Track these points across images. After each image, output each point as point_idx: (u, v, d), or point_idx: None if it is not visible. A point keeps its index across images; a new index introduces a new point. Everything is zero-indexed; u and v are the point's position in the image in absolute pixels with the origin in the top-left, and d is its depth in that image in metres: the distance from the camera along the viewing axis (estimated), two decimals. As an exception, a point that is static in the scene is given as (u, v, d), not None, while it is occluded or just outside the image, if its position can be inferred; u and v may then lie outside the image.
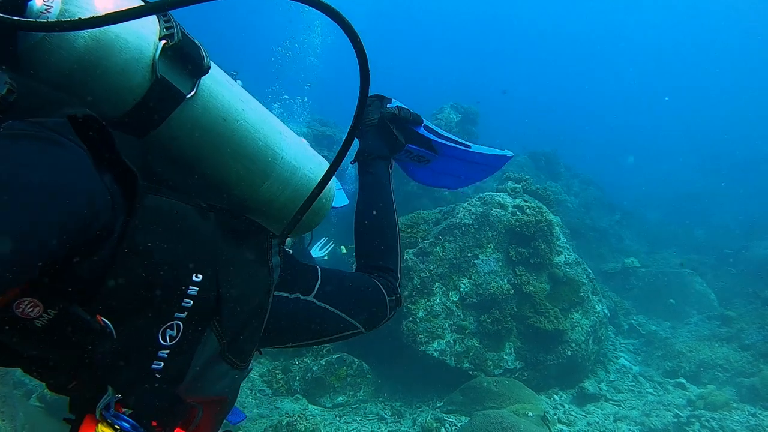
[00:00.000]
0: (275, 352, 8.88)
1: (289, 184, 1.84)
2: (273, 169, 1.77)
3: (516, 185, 9.21)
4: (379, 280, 2.31)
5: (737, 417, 6.99)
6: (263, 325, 1.71)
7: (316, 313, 2.00)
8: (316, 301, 2.00)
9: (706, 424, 6.81)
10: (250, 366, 2.28)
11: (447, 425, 6.80)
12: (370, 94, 2.76)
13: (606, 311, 8.80)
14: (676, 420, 6.87)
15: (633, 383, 8.38)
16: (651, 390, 8.19)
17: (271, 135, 1.76)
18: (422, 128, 2.84)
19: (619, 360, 9.10)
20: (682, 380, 8.33)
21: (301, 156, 1.89)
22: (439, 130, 2.91)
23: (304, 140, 2.07)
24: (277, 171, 1.79)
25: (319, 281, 2.05)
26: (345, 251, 9.89)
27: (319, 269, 2.14)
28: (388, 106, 2.76)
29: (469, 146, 2.89)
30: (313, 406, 7.64)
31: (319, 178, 1.83)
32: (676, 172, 26.87)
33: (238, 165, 1.68)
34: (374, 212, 2.49)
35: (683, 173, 26.47)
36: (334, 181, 2.05)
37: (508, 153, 2.95)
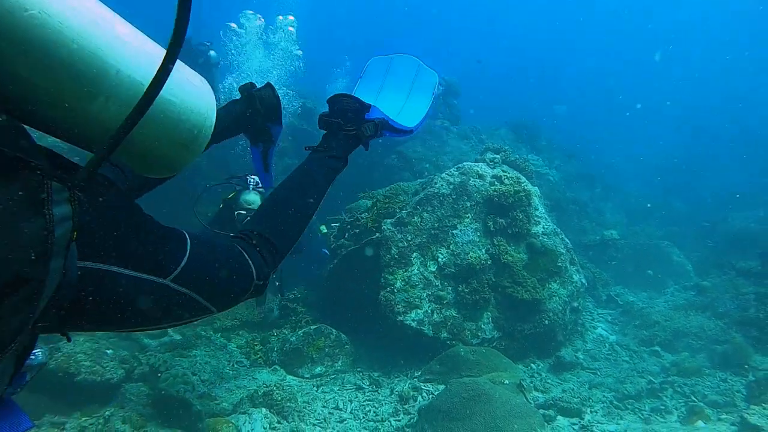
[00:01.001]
0: (255, 323, 8.87)
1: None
2: (102, 85, 1.34)
3: (495, 156, 9.17)
4: (255, 258, 1.99)
5: (709, 382, 7.11)
6: (32, 303, 1.06)
7: (168, 299, 1.58)
8: (172, 285, 1.57)
9: (678, 389, 6.92)
10: (41, 358, 1.96)
11: (424, 394, 6.84)
12: (352, 95, 2.89)
13: (583, 281, 8.86)
14: (649, 386, 6.97)
15: (609, 352, 8.48)
16: (627, 358, 8.29)
17: (97, 39, 1.31)
18: (387, 133, 3.13)
19: (596, 330, 9.20)
20: (657, 348, 8.44)
21: (153, 72, 1.33)
22: (396, 125, 3.19)
23: (185, 71, 1.64)
24: (110, 89, 1.35)
25: (185, 258, 1.63)
26: (325, 231, 9.85)
27: (188, 239, 1.69)
28: (367, 117, 2.90)
29: (411, 131, 3.30)
30: (291, 377, 7.65)
31: (185, 104, 1.52)
32: (658, 146, 26.96)
33: (37, 76, 1.23)
34: (297, 195, 2.35)
35: (664, 147, 26.55)
36: (210, 100, 1.68)
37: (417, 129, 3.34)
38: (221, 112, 2.52)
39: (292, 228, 2.26)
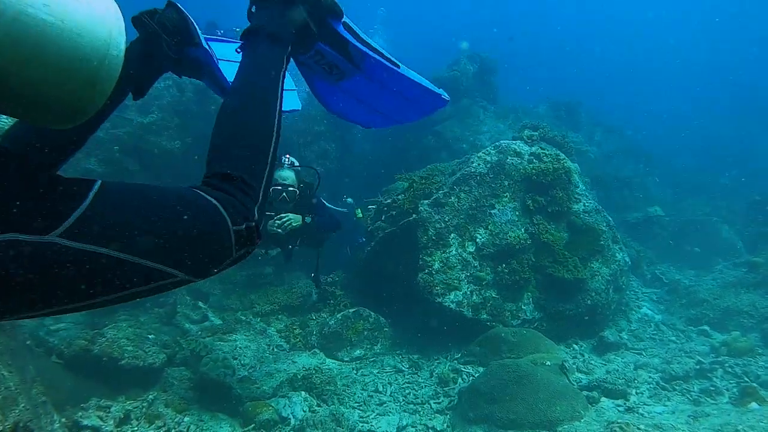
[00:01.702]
0: (294, 307, 8.93)
1: None
2: None
3: (533, 132, 8.91)
4: (223, 199, 1.58)
5: (762, 362, 6.83)
6: None
7: (70, 262, 1.24)
8: (64, 242, 1.23)
9: (729, 369, 6.66)
10: None
11: (464, 376, 6.77)
12: None
13: (627, 259, 8.61)
14: (698, 367, 6.73)
15: (655, 332, 8.24)
16: (673, 338, 8.05)
17: None
18: (341, 25, 2.17)
19: (641, 309, 8.94)
20: (706, 327, 8.16)
21: None
22: (364, 35, 2.24)
23: None
24: None
25: (82, 207, 1.28)
26: (361, 215, 9.82)
27: (96, 184, 1.37)
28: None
29: (398, 65, 2.27)
30: (331, 360, 7.67)
31: (71, 26, 1.19)
32: (705, 119, 26.05)
33: None
34: (246, 98, 1.87)
35: (712, 120, 25.65)
36: (113, 22, 1.31)
37: (444, 94, 2.40)
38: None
39: (251, 141, 1.79)
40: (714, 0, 46.47)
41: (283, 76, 1.98)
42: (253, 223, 1.62)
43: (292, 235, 5.97)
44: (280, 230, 5.63)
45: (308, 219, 5.91)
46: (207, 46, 2.31)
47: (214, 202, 1.54)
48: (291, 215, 5.73)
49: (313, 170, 6.29)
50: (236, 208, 1.57)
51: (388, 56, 2.27)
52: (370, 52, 2.19)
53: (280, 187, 5.74)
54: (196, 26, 2.27)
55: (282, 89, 1.94)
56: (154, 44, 2.18)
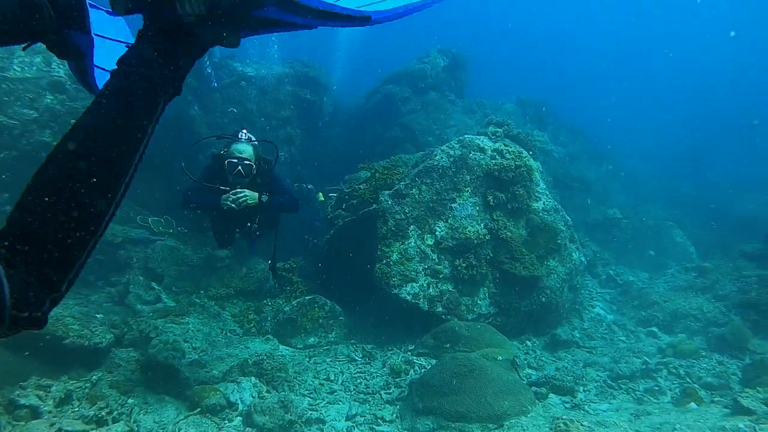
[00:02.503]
0: (250, 292, 8.83)
1: None
2: None
3: (497, 129, 8.96)
4: (12, 279, 1.17)
5: (705, 365, 7.02)
6: None
7: None
8: None
9: (674, 370, 6.84)
10: None
11: (416, 368, 6.78)
12: None
13: (583, 259, 8.74)
14: (644, 367, 6.88)
15: (606, 331, 8.40)
16: (623, 338, 8.22)
17: None
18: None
19: (594, 309, 9.10)
20: (655, 329, 8.35)
21: None
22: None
23: None
24: None
25: None
26: (322, 198, 9.75)
27: None
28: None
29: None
30: (284, 347, 7.60)
31: None
32: (668, 128, 26.60)
33: None
34: (91, 152, 1.39)
35: (675, 129, 26.20)
36: None
37: None
38: None
39: (79, 229, 1.35)
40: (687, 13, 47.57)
41: (151, 133, 1.51)
42: (36, 313, 1.24)
43: (249, 213, 5.75)
44: (234, 205, 5.41)
45: (264, 197, 5.61)
46: (92, 36, 1.88)
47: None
48: (246, 191, 5.48)
49: (271, 144, 5.95)
50: (25, 295, 1.21)
51: None
52: None
53: (235, 161, 5.47)
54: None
55: (143, 151, 1.49)
56: (30, 13, 1.56)
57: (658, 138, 23.97)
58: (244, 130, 5.73)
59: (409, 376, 6.59)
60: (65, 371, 5.69)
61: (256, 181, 5.73)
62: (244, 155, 5.54)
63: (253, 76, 12.51)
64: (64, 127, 9.30)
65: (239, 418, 5.53)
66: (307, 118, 13.62)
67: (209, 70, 11.28)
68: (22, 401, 4.88)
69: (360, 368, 7.01)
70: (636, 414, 5.59)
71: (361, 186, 8.65)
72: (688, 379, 6.63)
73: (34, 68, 9.46)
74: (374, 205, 8.01)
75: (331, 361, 7.16)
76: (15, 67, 9.25)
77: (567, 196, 12.89)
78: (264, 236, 6.28)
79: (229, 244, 6.53)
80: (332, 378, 6.68)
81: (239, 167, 5.49)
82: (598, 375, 6.83)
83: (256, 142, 5.73)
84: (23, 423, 4.48)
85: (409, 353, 7.22)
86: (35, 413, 4.84)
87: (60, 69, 9.63)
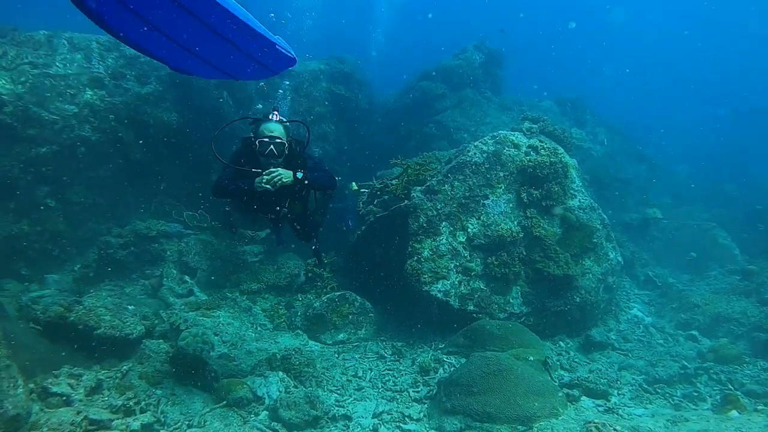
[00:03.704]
0: (281, 287, 8.87)
1: None
2: None
3: (533, 125, 8.78)
4: None
5: (748, 371, 6.74)
6: None
7: None
8: None
9: (714, 376, 6.58)
10: None
11: (446, 366, 6.69)
12: None
13: (620, 259, 8.50)
14: (682, 371, 6.65)
15: (643, 334, 8.15)
16: (661, 341, 7.95)
17: None
18: None
19: (631, 310, 8.85)
20: (695, 333, 8.07)
21: None
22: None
23: None
24: None
25: None
26: (356, 187, 9.73)
27: None
28: None
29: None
30: (314, 342, 7.59)
31: None
32: (710, 127, 25.82)
33: None
34: None
35: (717, 128, 25.42)
36: None
37: (290, 52, 2.07)
38: None
39: None
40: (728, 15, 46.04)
41: None
42: None
43: (284, 194, 5.35)
44: (269, 186, 5.01)
45: (299, 174, 5.17)
46: None
47: None
48: (281, 170, 5.09)
49: (302, 124, 5.71)
50: None
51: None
52: None
53: (267, 140, 5.11)
54: None
55: None
56: None
57: (699, 137, 23.31)
58: (275, 111, 5.36)
59: (438, 375, 6.50)
60: (97, 361, 5.77)
61: (289, 162, 5.34)
62: (275, 134, 5.16)
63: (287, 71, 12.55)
64: (103, 123, 9.48)
65: (265, 412, 5.52)
66: (341, 114, 13.63)
67: None
68: (54, 389, 4.96)
69: (389, 365, 6.95)
70: (673, 420, 5.37)
71: (393, 182, 8.57)
72: (730, 386, 6.37)
73: (75, 65, 9.66)
74: (406, 201, 7.94)
75: (359, 358, 7.12)
76: (57, 63, 9.47)
77: (605, 194, 12.59)
78: (302, 221, 5.90)
79: (259, 227, 6.32)
80: (360, 375, 6.63)
81: (271, 146, 5.11)
82: (633, 378, 6.62)
83: (287, 123, 5.46)
84: (53, 411, 4.54)
85: (439, 351, 7.12)
86: (67, 401, 4.91)
87: (100, 65, 9.82)
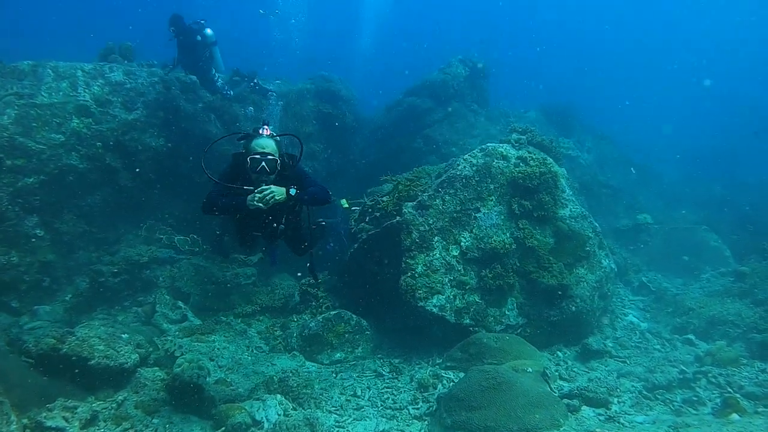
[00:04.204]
0: (276, 308, 8.82)
1: None
2: None
3: (521, 136, 8.82)
4: None
5: (746, 373, 6.73)
6: None
7: None
8: None
9: (713, 380, 6.57)
10: None
11: (445, 381, 6.64)
12: None
13: (613, 266, 8.52)
14: (681, 376, 6.62)
15: (640, 340, 8.14)
16: (658, 346, 7.95)
17: None
18: None
19: (627, 317, 8.85)
20: (691, 336, 8.07)
21: None
22: None
23: None
24: None
25: None
26: (346, 205, 9.73)
27: None
28: None
29: None
30: (311, 363, 7.54)
31: None
32: (695, 131, 26.05)
33: None
34: None
35: (702, 132, 25.65)
36: None
37: None
38: None
39: None
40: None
41: None
42: None
43: (277, 211, 5.20)
44: (261, 204, 4.82)
45: (293, 191, 5.01)
46: None
47: None
48: (273, 187, 4.89)
49: (293, 137, 5.49)
50: None
51: None
52: None
53: (258, 156, 4.91)
54: None
55: None
56: None
57: (685, 141, 23.49)
58: (266, 126, 5.19)
59: (437, 390, 6.46)
60: (92, 392, 5.70)
61: (281, 177, 5.15)
62: (267, 150, 4.96)
63: (274, 91, 12.58)
64: (90, 150, 9.44)
65: (265, 436, 5.46)
66: (329, 132, 13.68)
67: (219, 83, 11.28)
68: (49, 423, 4.88)
69: (387, 383, 6.90)
70: (674, 426, 5.35)
71: (384, 198, 8.58)
72: (729, 389, 6.36)
73: (61, 93, 9.64)
74: (398, 218, 7.93)
75: (357, 377, 7.07)
76: (43, 93, 9.45)
77: (594, 202, 12.67)
78: (293, 238, 5.78)
79: (252, 250, 6.19)
80: (359, 394, 6.58)
81: (263, 163, 4.90)
82: (632, 386, 6.59)
83: (278, 138, 5.35)
84: (48, 445, 4.47)
85: (437, 366, 7.09)
86: (61, 435, 4.84)
87: (86, 93, 9.81)
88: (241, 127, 11.29)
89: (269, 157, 4.93)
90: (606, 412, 5.90)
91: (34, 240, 8.62)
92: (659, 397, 6.32)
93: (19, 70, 9.57)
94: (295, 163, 5.31)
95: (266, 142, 4.95)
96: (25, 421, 4.76)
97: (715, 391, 6.39)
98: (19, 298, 8.19)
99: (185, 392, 5.76)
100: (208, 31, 10.69)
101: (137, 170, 9.88)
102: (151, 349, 6.68)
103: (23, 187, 8.65)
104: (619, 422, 5.68)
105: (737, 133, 24.25)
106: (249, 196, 4.83)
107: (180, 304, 8.45)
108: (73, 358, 5.62)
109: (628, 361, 7.39)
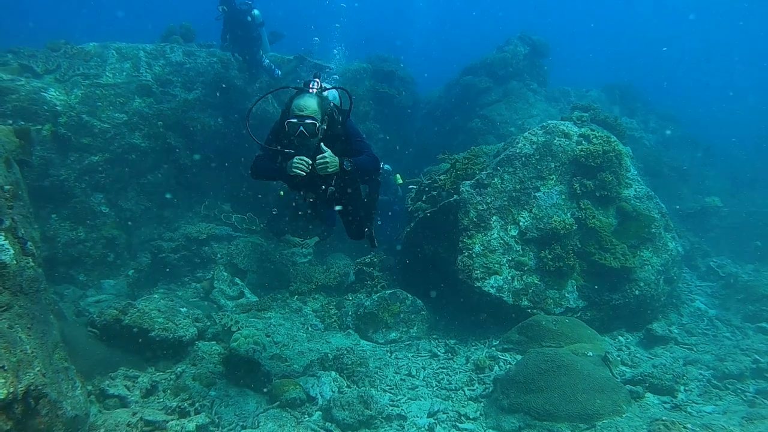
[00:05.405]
0: (331, 287, 8.84)
1: None
2: None
3: (583, 114, 8.49)
4: None
5: (827, 364, 6.33)
6: None
7: None
8: None
9: (791, 370, 6.20)
10: None
11: (501, 363, 6.51)
12: None
13: (680, 249, 8.14)
14: (755, 366, 6.28)
15: (708, 327, 7.77)
16: (728, 334, 7.57)
17: None
18: None
19: (694, 302, 8.46)
20: (765, 325, 7.64)
21: None
22: None
23: None
24: None
25: None
26: (401, 181, 9.66)
27: None
28: None
29: None
30: (365, 342, 7.53)
31: None
32: (765, 111, 24.65)
33: None
34: None
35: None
36: None
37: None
38: None
39: None
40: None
41: None
42: None
43: (325, 179, 4.74)
44: (301, 172, 4.42)
45: (347, 165, 4.55)
46: None
47: None
48: (328, 156, 4.45)
49: (343, 91, 5.02)
50: None
51: None
52: None
53: (295, 120, 4.44)
54: None
55: None
56: None
57: (757, 121, 22.26)
58: (317, 80, 4.70)
59: (493, 372, 6.33)
60: (152, 363, 5.83)
61: (328, 136, 4.70)
62: (305, 112, 4.45)
63: (332, 68, 12.53)
64: (152, 129, 9.66)
65: (319, 412, 5.46)
66: (386, 112, 13.58)
67: (266, 61, 11.33)
68: (111, 391, 5.02)
69: (442, 363, 6.81)
70: (748, 417, 5.06)
71: (441, 177, 8.44)
72: (807, 380, 5.99)
73: (124, 73, 9.87)
74: (455, 196, 7.79)
75: (412, 356, 7.01)
76: (107, 73, 9.69)
77: (659, 184, 12.12)
78: (345, 203, 5.15)
79: (306, 228, 5.99)
80: (414, 373, 6.52)
81: (301, 128, 4.44)
82: (701, 374, 6.29)
83: (328, 90, 4.84)
84: (110, 412, 4.59)
85: (494, 348, 6.95)
86: (123, 402, 4.97)
87: (147, 73, 10.01)
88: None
89: (308, 121, 4.48)
90: (672, 400, 5.65)
91: (99, 216, 8.90)
92: (730, 386, 5.99)
93: (86, 51, 9.84)
94: (346, 118, 4.89)
95: (307, 102, 4.49)
96: (89, 387, 4.91)
97: (792, 383, 6.03)
98: (85, 272, 8.51)
99: (241, 366, 5.83)
100: (256, 11, 10.77)
101: (196, 149, 10.05)
102: (209, 323, 6.79)
103: (89, 165, 8.93)
104: (686, 411, 5.42)
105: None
106: (290, 162, 4.50)
107: (237, 280, 8.58)
108: (134, 329, 5.76)
109: (695, 349, 7.07)
